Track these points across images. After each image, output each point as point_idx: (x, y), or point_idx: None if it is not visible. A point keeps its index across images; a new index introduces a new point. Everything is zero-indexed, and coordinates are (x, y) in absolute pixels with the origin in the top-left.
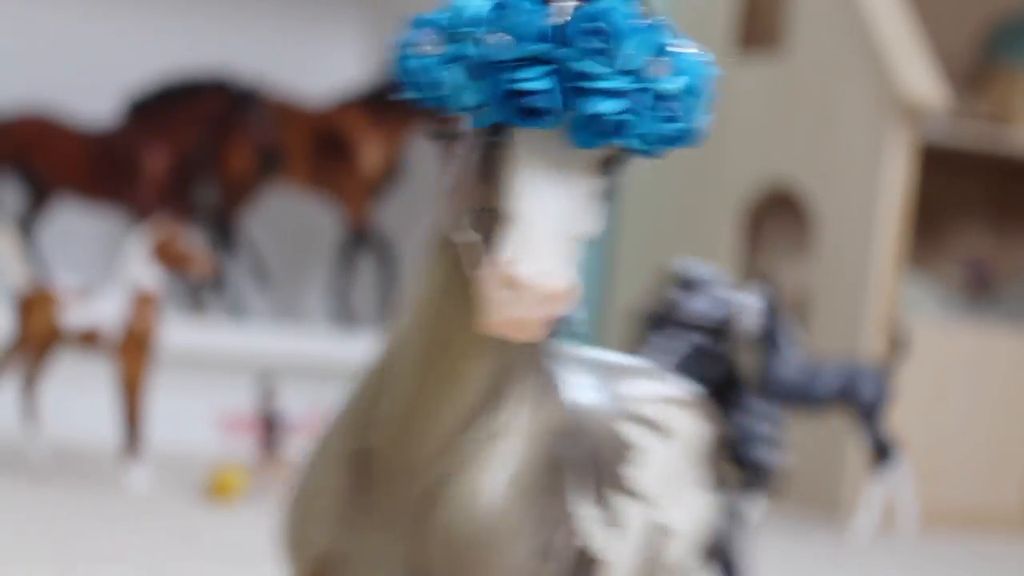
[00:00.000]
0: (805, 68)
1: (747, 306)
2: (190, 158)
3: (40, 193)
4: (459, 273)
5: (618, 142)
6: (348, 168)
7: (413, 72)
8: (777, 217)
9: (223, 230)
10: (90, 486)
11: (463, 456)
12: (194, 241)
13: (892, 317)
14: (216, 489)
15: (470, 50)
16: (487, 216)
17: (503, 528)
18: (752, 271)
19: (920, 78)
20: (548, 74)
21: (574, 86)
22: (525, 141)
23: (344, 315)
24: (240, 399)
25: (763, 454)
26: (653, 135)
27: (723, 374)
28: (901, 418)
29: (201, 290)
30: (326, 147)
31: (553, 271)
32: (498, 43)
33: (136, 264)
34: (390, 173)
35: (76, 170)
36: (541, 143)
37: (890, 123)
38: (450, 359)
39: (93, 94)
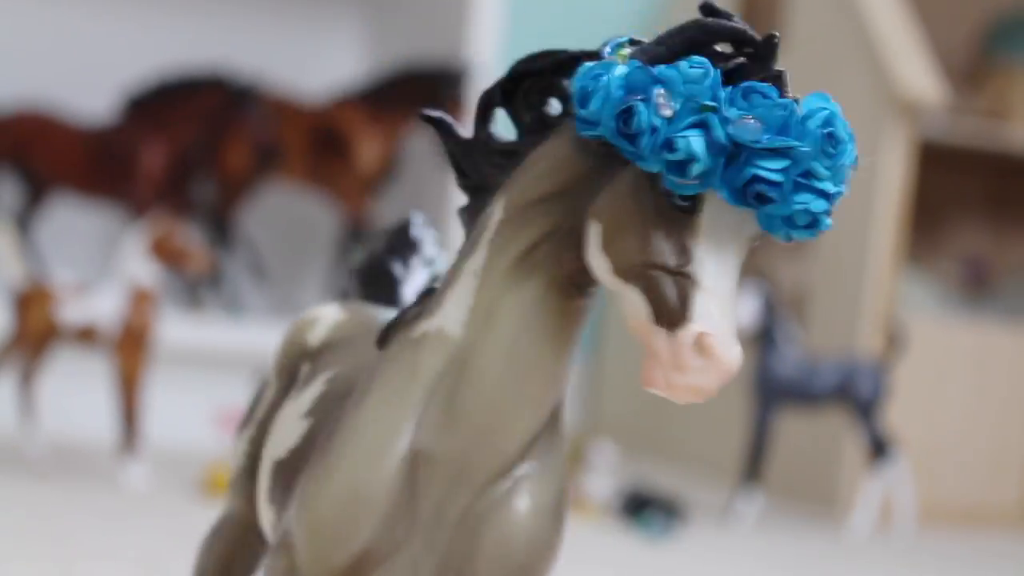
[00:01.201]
0: (803, 65)
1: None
2: (188, 155)
3: (37, 189)
4: (557, 302)
5: (802, 236)
6: (346, 165)
7: (638, 126)
8: None
9: (221, 227)
10: (88, 483)
11: (522, 478)
12: (191, 238)
13: (890, 314)
14: (214, 485)
15: (716, 127)
16: (664, 275)
17: (553, 551)
18: (749, 268)
19: (918, 75)
20: (786, 168)
21: (797, 180)
22: (721, 216)
23: None
24: (238, 395)
25: None
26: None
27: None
28: (899, 415)
29: (199, 286)
30: (324, 144)
31: (735, 343)
32: (750, 128)
33: (133, 260)
34: (388, 170)
35: (73, 166)
36: (734, 220)
37: (888, 119)
38: (535, 384)
39: (91, 90)
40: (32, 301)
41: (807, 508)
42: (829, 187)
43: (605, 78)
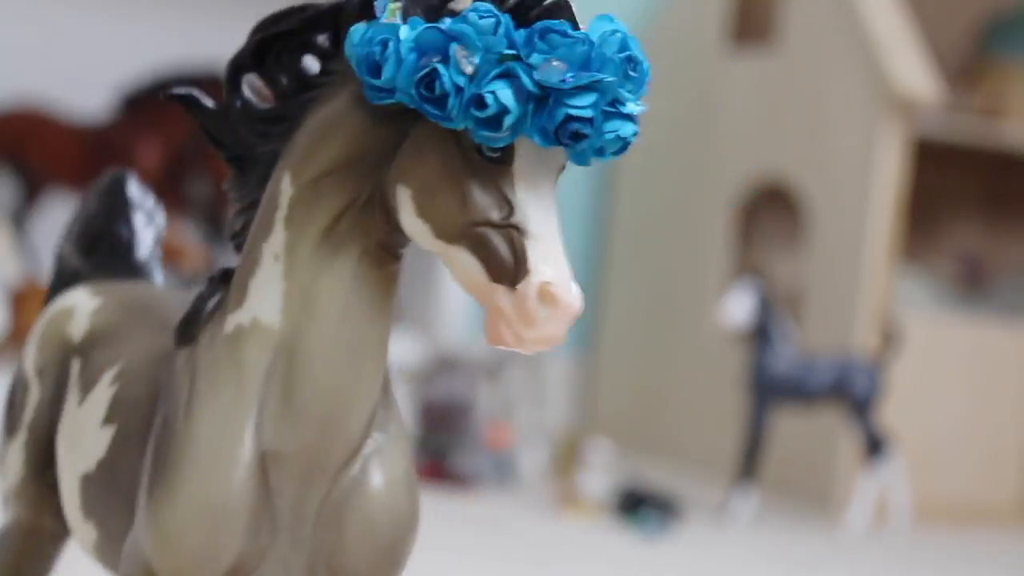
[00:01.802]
0: (798, 63)
1: None
2: (183, 152)
3: (33, 187)
4: (372, 272)
5: (611, 159)
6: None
7: (442, 88)
8: (770, 212)
9: (216, 224)
10: None
11: (370, 455)
12: (187, 235)
13: (885, 312)
14: None
15: (522, 75)
16: (489, 231)
17: (415, 521)
18: (745, 266)
19: (913, 72)
20: (595, 101)
21: (606, 110)
22: (533, 159)
23: None
24: None
25: None
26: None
27: None
28: (894, 413)
29: (193, 283)
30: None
31: (574, 284)
32: (556, 71)
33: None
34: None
35: (69, 164)
36: (545, 160)
37: (883, 117)
38: (367, 359)
39: (86, 88)
40: (27, 298)
41: (803, 506)
42: (634, 109)
43: (392, 43)
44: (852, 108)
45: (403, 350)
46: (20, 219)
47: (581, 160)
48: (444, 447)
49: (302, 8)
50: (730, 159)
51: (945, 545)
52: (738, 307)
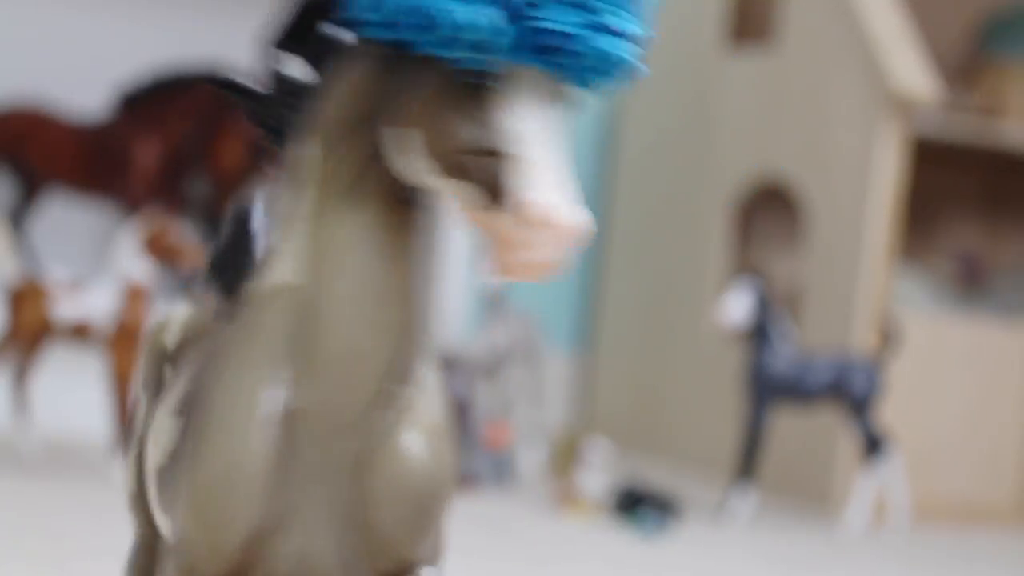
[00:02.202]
0: (796, 62)
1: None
2: (181, 151)
3: (31, 186)
4: (388, 222)
5: (614, 84)
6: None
7: (436, 16)
8: (768, 211)
9: (214, 223)
10: (81, 479)
11: (399, 408)
12: (185, 234)
13: (883, 311)
14: None
15: None
16: (483, 159)
17: (447, 476)
18: (744, 265)
19: (911, 71)
20: (576, 17)
21: (594, 28)
22: (523, 81)
23: None
24: None
25: None
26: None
27: None
28: (892, 412)
29: (192, 283)
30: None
31: (571, 207)
32: None
33: (127, 257)
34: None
35: (67, 163)
36: (536, 83)
37: (881, 116)
38: (391, 310)
39: (85, 87)
40: (26, 298)
41: (801, 505)
42: (625, 27)
43: None
44: (850, 107)
45: None
46: (18, 218)
47: (581, 83)
48: None
49: None
50: (729, 158)
51: (944, 544)
52: (737, 306)
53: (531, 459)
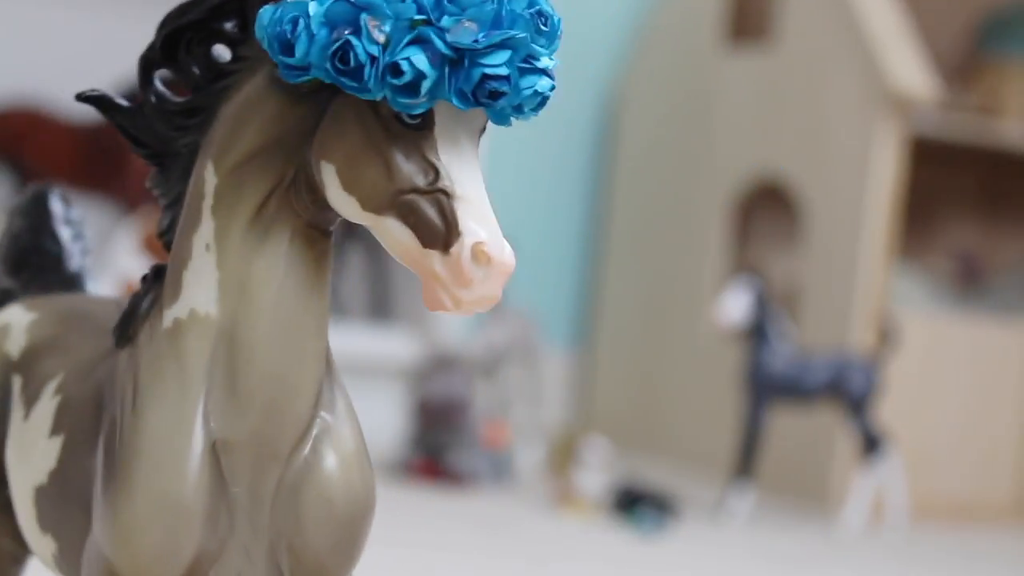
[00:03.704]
0: (794, 60)
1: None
2: None
3: (28, 184)
4: (304, 252)
5: (530, 116)
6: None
7: (356, 60)
8: (766, 209)
9: None
10: None
11: (320, 435)
12: None
13: (882, 309)
14: None
15: (435, 39)
16: (414, 197)
17: (371, 497)
18: (742, 263)
19: (910, 70)
20: (509, 59)
21: (521, 66)
22: (454, 122)
23: (333, 308)
24: None
25: None
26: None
27: None
28: (890, 411)
29: None
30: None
31: (507, 243)
32: (468, 31)
33: (125, 256)
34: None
35: (65, 162)
36: (466, 122)
37: (880, 115)
38: (309, 339)
39: (82, 86)
40: None
41: (799, 504)
42: (548, 63)
43: (303, 20)
44: (849, 106)
45: (400, 348)
46: None
47: (501, 120)
48: (441, 445)
49: None
50: (726, 157)
51: (942, 543)
52: (735, 305)
53: (529, 458)
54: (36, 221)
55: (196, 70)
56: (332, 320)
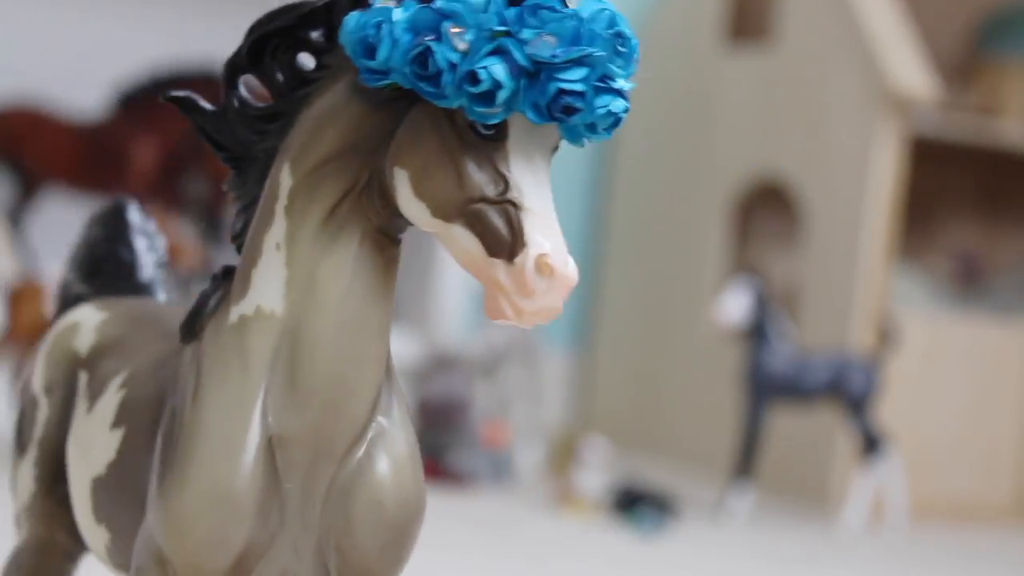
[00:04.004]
0: (794, 60)
1: None
2: (179, 150)
3: (29, 184)
4: (372, 256)
5: (603, 137)
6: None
7: (436, 65)
8: (766, 209)
9: (212, 222)
10: None
11: (375, 438)
12: (183, 233)
13: (881, 309)
14: None
15: (515, 50)
16: (485, 207)
17: (422, 501)
18: (741, 263)
19: (909, 70)
20: (586, 76)
21: (597, 85)
22: (527, 135)
23: None
24: None
25: None
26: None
27: None
28: (890, 410)
29: (190, 282)
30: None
31: (570, 257)
32: (547, 45)
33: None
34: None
35: (65, 161)
36: (538, 137)
37: (880, 115)
38: (370, 342)
39: (83, 86)
40: (24, 297)
41: (799, 503)
42: (625, 85)
43: (386, 25)
44: (849, 106)
45: (400, 348)
46: (16, 217)
47: (574, 137)
48: (441, 445)
49: (295, 5)
50: (727, 157)
51: (941, 543)
52: (735, 305)
53: (529, 458)
54: (113, 231)
55: (280, 76)
56: None
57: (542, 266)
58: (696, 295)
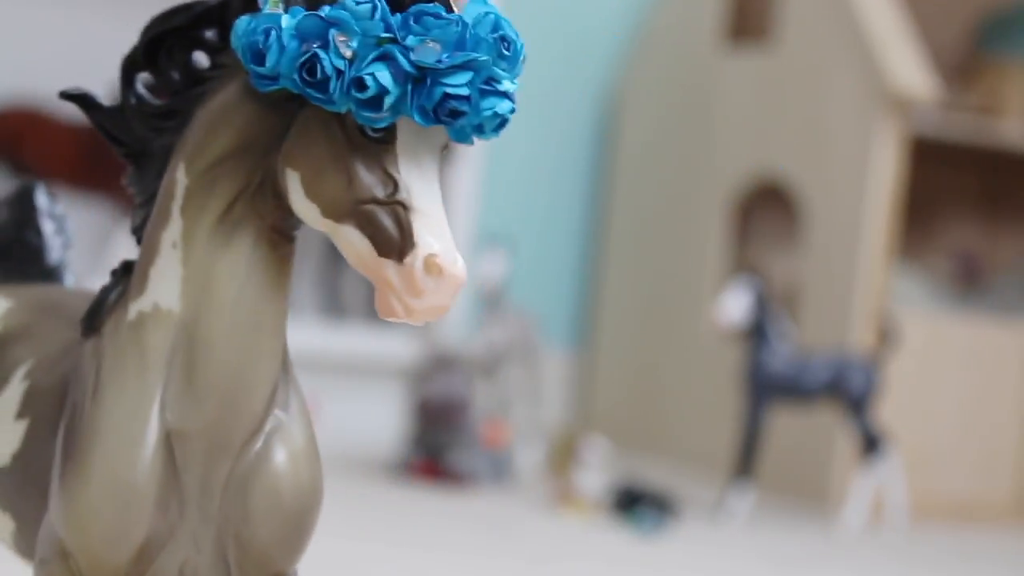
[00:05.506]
0: (794, 60)
1: None
2: None
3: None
4: (267, 255)
5: (491, 136)
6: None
7: (323, 72)
8: (766, 209)
9: None
10: None
11: (272, 431)
12: None
13: (881, 309)
14: None
15: (399, 57)
16: (374, 208)
17: (319, 493)
18: (741, 263)
19: (910, 70)
20: (471, 80)
21: (482, 88)
22: (415, 137)
23: (333, 307)
24: None
25: None
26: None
27: None
28: (890, 410)
29: None
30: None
31: (460, 256)
32: (431, 51)
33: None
34: None
35: (65, 162)
36: (426, 138)
37: (879, 115)
38: (266, 338)
39: (82, 86)
40: None
41: (799, 504)
42: (509, 87)
43: (274, 32)
44: (848, 106)
45: (400, 348)
46: None
47: (462, 138)
48: (440, 445)
49: (189, 5)
50: (726, 157)
51: (942, 543)
52: (734, 305)
53: (529, 458)
54: (20, 215)
55: (176, 75)
56: (333, 320)
57: (431, 266)
58: (696, 295)
